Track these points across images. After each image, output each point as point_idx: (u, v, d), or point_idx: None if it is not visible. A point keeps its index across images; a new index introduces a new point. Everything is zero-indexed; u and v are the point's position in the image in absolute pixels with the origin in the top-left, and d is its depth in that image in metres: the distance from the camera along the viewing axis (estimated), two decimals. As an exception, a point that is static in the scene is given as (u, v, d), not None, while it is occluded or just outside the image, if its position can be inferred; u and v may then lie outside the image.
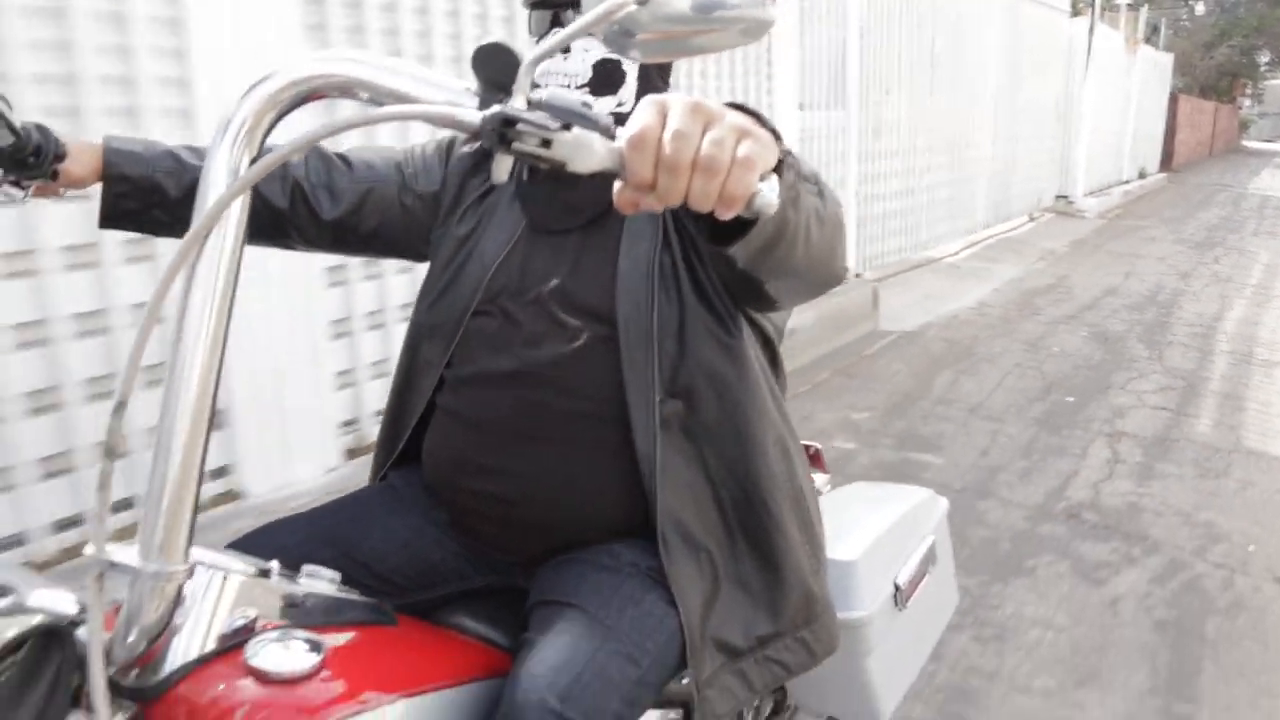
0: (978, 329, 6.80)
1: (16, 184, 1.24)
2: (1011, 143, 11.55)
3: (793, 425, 1.41)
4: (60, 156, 1.24)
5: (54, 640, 0.82)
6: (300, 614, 1.06)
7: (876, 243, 8.23)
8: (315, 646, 1.01)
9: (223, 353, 0.89)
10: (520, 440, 1.31)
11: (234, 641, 0.98)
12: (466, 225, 1.42)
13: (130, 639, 0.83)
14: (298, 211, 1.43)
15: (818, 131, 6.93)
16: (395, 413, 1.50)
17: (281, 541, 1.33)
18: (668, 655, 1.23)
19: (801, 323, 5.24)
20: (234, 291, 0.90)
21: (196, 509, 0.84)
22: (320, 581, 1.13)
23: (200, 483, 0.84)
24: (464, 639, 1.29)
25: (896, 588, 1.66)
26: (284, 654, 0.99)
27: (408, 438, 1.46)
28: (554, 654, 1.15)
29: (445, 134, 1.49)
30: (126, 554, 0.82)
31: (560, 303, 1.31)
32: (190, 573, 0.86)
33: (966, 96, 10.01)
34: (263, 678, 0.97)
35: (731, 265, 1.06)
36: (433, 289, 1.43)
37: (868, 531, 1.70)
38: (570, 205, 1.33)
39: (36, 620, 0.81)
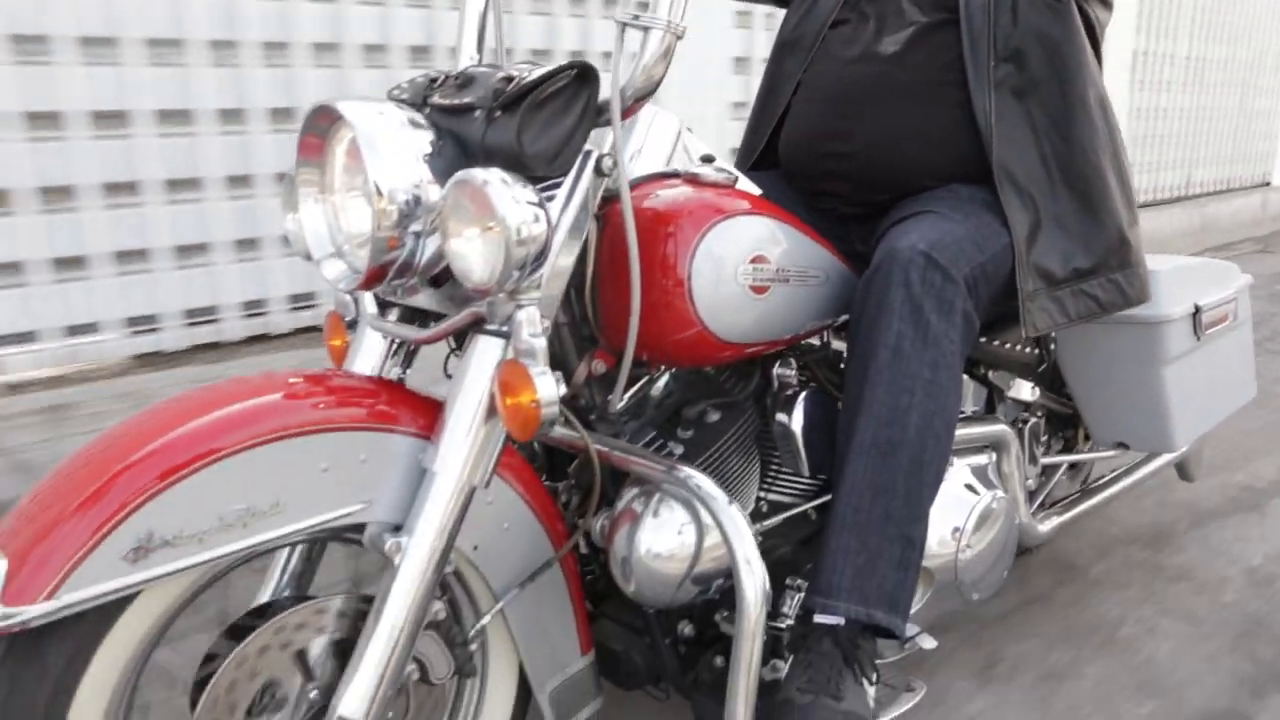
0: None
1: None
2: None
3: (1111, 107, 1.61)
4: None
5: (588, 77, 1.13)
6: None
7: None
8: (735, 175, 1.31)
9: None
10: (868, 108, 1.59)
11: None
12: None
13: (630, 91, 1.11)
14: None
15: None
16: (755, 123, 1.81)
17: None
18: (1000, 263, 1.45)
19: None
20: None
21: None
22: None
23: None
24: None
25: (1196, 309, 1.79)
26: (715, 172, 1.30)
27: (764, 144, 1.76)
28: (918, 225, 1.40)
29: None
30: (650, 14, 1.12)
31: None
32: (683, 34, 1.14)
33: None
34: (697, 181, 1.27)
35: None
36: (800, 6, 1.72)
37: (1172, 260, 1.85)
38: None
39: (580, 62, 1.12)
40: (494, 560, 1.21)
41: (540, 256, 1.02)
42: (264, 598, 1.25)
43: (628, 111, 1.16)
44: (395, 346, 1.31)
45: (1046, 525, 1.81)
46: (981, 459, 1.66)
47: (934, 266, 1.33)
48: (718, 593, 1.33)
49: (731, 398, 1.42)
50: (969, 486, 1.61)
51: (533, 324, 1.04)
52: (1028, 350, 1.73)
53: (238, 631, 1.09)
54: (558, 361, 1.30)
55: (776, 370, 1.44)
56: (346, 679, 1.06)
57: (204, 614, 1.17)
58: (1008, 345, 1.69)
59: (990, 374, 1.74)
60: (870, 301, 1.35)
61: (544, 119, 1.10)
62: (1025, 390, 1.82)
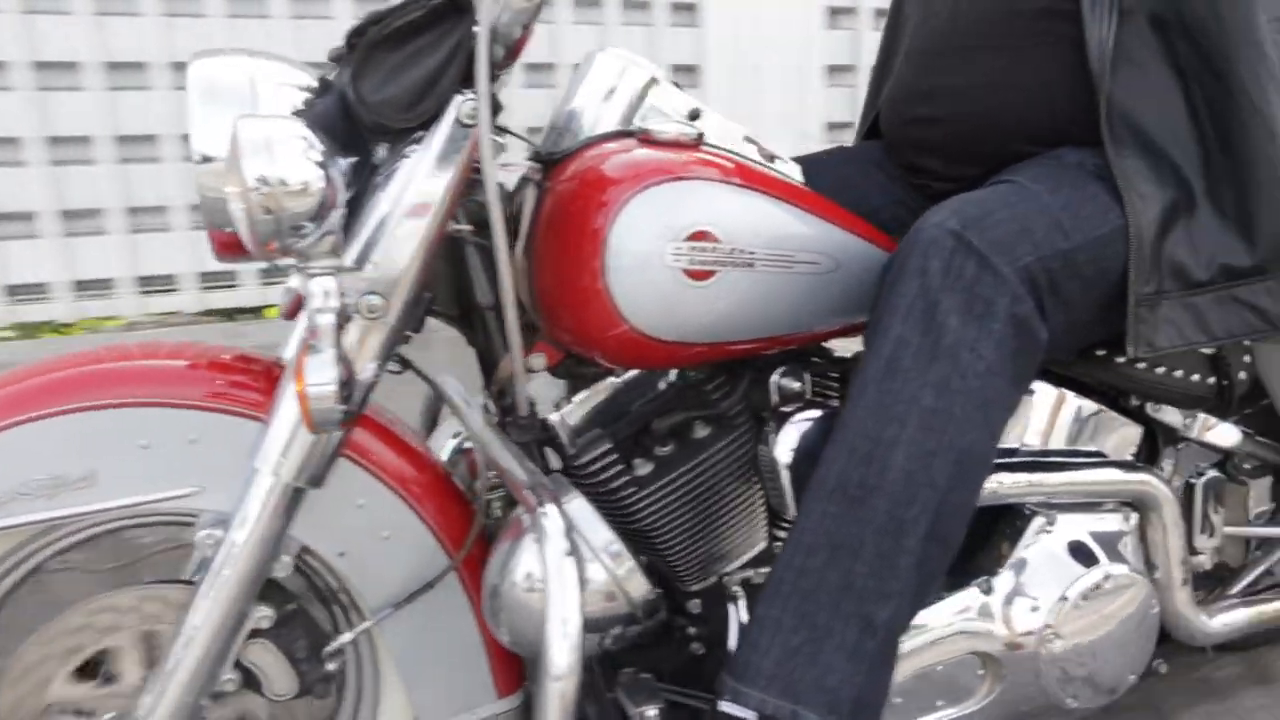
0: None
1: None
2: None
3: None
4: None
5: (456, 10, 0.93)
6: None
7: None
8: (700, 131, 1.04)
9: None
10: (961, 53, 1.24)
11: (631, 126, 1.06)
12: None
13: (505, 18, 0.91)
14: None
15: None
16: (874, 78, 1.51)
17: None
18: (1105, 253, 1.07)
19: None
20: None
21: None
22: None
23: None
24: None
25: None
26: (674, 126, 1.04)
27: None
28: (964, 200, 1.05)
29: None
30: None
31: None
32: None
33: None
34: (650, 139, 1.02)
35: None
36: None
37: None
38: None
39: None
40: (367, 572, 1.06)
41: (319, 217, 0.85)
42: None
43: (515, 50, 0.96)
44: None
45: (1221, 619, 1.32)
46: (1111, 519, 1.24)
47: (966, 251, 0.98)
48: (628, 643, 1.08)
49: (716, 410, 1.15)
50: (1077, 553, 1.21)
51: (323, 297, 0.87)
52: (1194, 378, 1.26)
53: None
54: (483, 353, 1.13)
55: (777, 380, 1.14)
56: (153, 677, 0.96)
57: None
58: (1160, 369, 1.24)
59: (1150, 407, 1.30)
60: (880, 297, 1.03)
61: (397, 60, 0.93)
62: (1223, 433, 1.35)
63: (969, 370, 0.97)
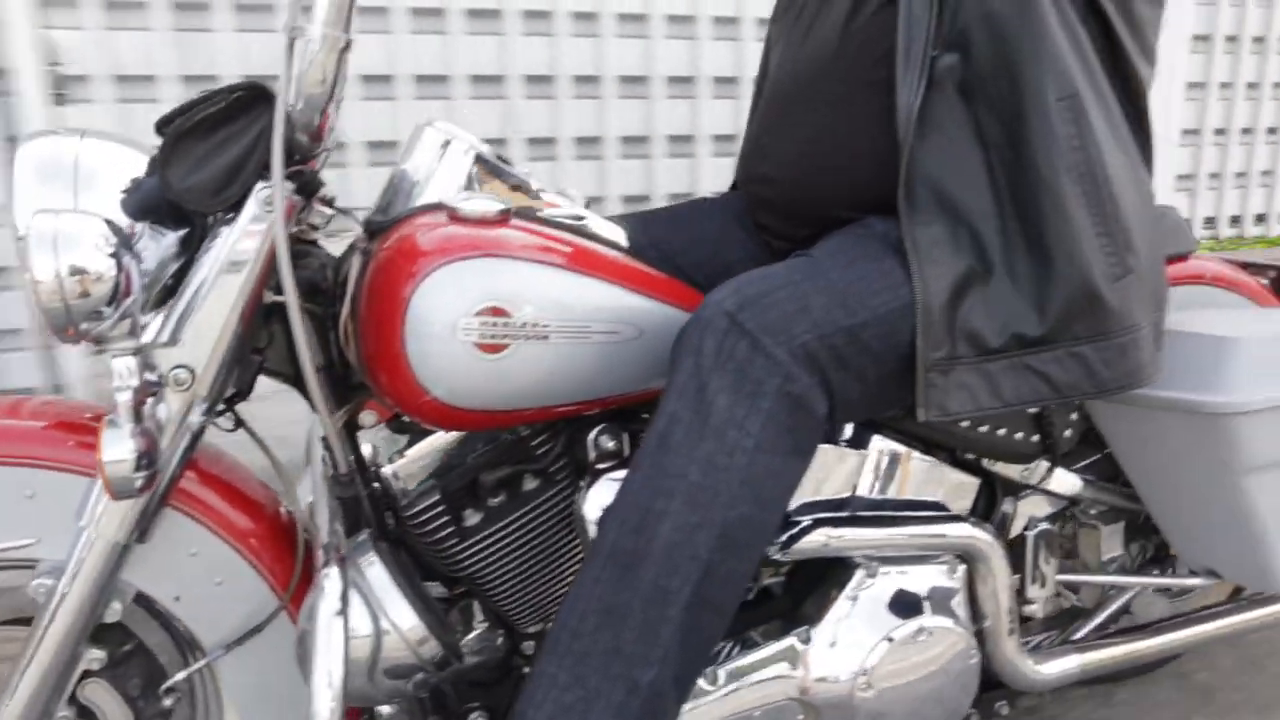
0: None
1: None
2: None
3: (1116, 98, 1.16)
4: None
5: (262, 100, 1.01)
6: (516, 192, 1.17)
7: None
8: (506, 207, 1.10)
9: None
10: (796, 109, 1.28)
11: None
12: None
13: (300, 105, 0.99)
14: None
15: None
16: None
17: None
18: (897, 325, 1.11)
19: None
20: None
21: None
22: (563, 198, 1.23)
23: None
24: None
25: (1314, 399, 1.25)
26: (480, 203, 1.10)
27: None
28: (749, 278, 1.10)
29: None
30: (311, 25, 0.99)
31: None
32: (349, 45, 1.00)
33: None
34: (456, 215, 1.09)
35: None
36: None
37: (1270, 325, 1.30)
38: None
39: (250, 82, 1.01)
40: (202, 615, 1.15)
41: (115, 303, 0.93)
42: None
43: (318, 134, 1.04)
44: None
45: (1054, 666, 1.36)
46: (935, 571, 1.28)
47: (739, 332, 1.04)
48: (467, 681, 1.16)
49: (541, 465, 1.22)
50: (896, 604, 1.26)
51: (122, 376, 0.96)
52: (1018, 435, 1.30)
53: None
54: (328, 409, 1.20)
55: (594, 438, 1.20)
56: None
57: None
58: (984, 428, 1.28)
59: (986, 460, 1.34)
60: (668, 373, 1.09)
61: (204, 149, 1.02)
62: (1064, 481, 1.38)
63: (736, 447, 1.03)
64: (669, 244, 1.42)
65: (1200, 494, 1.31)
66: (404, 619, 1.08)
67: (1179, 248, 1.48)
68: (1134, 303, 1.13)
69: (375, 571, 1.10)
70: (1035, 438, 1.31)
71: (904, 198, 1.12)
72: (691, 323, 1.07)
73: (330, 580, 1.01)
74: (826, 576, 1.28)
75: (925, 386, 1.10)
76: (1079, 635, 1.45)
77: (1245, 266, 1.63)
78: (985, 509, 1.37)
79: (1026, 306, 1.11)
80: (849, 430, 1.27)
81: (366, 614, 1.07)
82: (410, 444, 1.22)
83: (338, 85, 1.02)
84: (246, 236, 1.03)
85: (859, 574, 1.26)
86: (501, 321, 1.06)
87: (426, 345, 1.05)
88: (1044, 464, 1.37)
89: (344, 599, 1.00)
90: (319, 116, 1.03)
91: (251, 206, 1.03)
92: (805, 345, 1.05)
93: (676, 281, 1.19)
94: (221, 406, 1.15)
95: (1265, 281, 1.60)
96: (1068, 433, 1.32)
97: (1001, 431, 1.28)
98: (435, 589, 1.25)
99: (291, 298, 1.02)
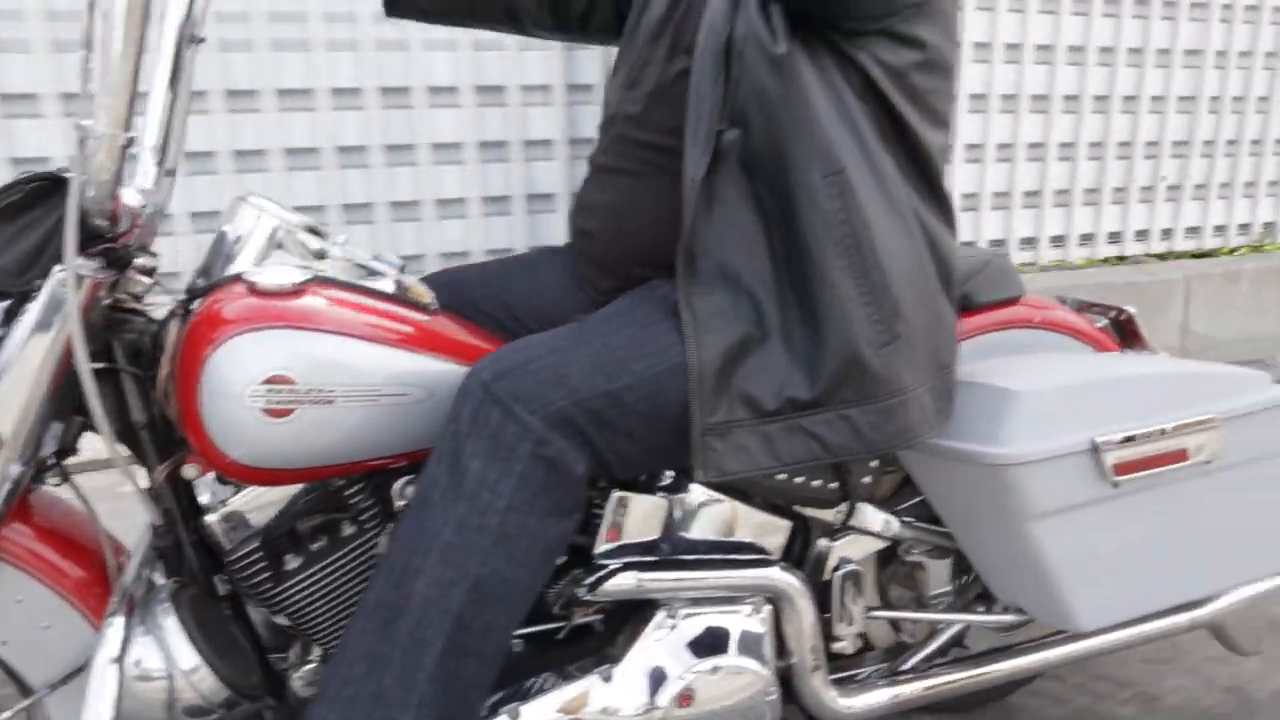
0: None
1: None
2: None
3: (899, 168, 1.22)
4: None
5: (59, 189, 1.10)
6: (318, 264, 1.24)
7: None
8: (304, 278, 1.18)
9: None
10: (607, 171, 1.36)
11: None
12: None
13: (91, 192, 1.07)
14: None
15: None
16: None
17: (461, 280, 1.52)
18: (666, 388, 1.17)
19: None
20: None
21: (135, 89, 1.06)
22: (379, 262, 1.30)
23: (138, 68, 1.05)
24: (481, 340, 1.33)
25: (1095, 448, 1.29)
26: (276, 275, 1.18)
27: None
28: (512, 348, 1.17)
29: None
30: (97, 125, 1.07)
31: (671, 38, 1.31)
32: (130, 141, 1.08)
33: None
34: (253, 288, 1.16)
35: None
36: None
37: (1071, 372, 1.35)
38: None
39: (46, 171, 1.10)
40: (30, 658, 1.23)
41: None
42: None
43: (112, 215, 1.12)
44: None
45: (860, 700, 1.41)
46: (738, 612, 1.34)
47: (492, 401, 1.11)
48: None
49: (353, 513, 1.29)
50: (697, 645, 1.32)
51: None
52: (815, 483, 1.36)
53: None
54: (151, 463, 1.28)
55: (399, 487, 1.28)
56: None
57: None
58: (782, 476, 1.34)
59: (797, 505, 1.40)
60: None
61: (10, 232, 1.11)
62: (876, 522, 1.44)
63: (488, 509, 1.10)
64: (510, 294, 1.49)
65: (997, 538, 1.36)
66: (186, 662, 1.16)
67: (1005, 293, 1.53)
68: (902, 368, 1.19)
69: (168, 618, 1.18)
70: (834, 485, 1.37)
71: (684, 265, 1.19)
72: (458, 391, 1.14)
73: (112, 628, 1.10)
74: (633, 617, 1.35)
75: (702, 449, 1.16)
76: (904, 667, 1.51)
77: (1090, 307, 1.67)
78: (802, 549, 1.43)
79: (799, 372, 1.17)
80: (668, 476, 1.34)
81: (159, 657, 1.16)
82: (236, 493, 1.30)
83: (124, 174, 1.10)
84: (43, 320, 1.11)
85: (661, 614, 1.32)
86: (287, 389, 1.14)
87: (221, 410, 1.13)
88: (865, 507, 1.42)
89: (124, 646, 1.09)
90: (110, 202, 1.10)
91: (49, 286, 1.11)
92: (561, 411, 1.12)
93: (476, 343, 1.26)
94: (53, 461, 1.24)
95: (1104, 322, 1.64)
96: (866, 479, 1.38)
97: (800, 480, 1.34)
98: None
99: (84, 366, 1.09)
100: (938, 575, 1.53)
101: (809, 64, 1.15)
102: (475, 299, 1.48)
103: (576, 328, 1.20)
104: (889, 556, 1.51)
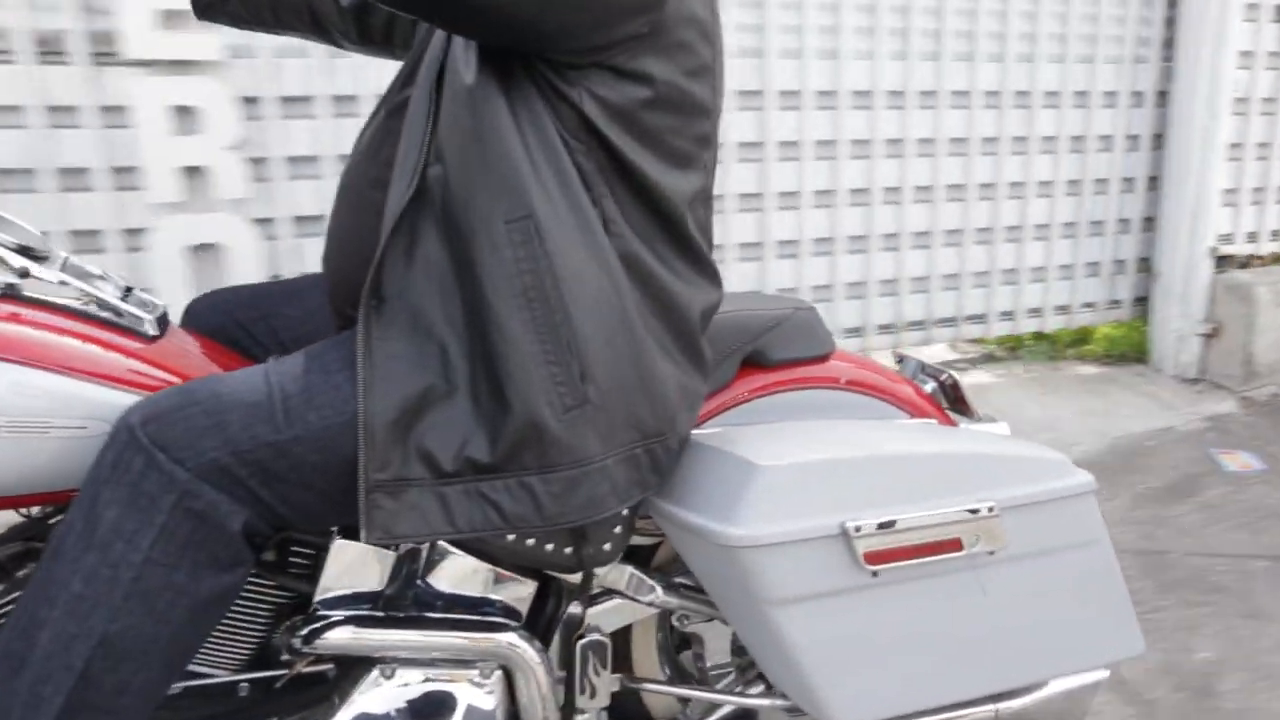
0: None
1: None
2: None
3: (623, 214, 1.12)
4: None
5: None
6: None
7: None
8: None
9: None
10: (341, 202, 1.28)
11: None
12: None
13: None
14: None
15: None
16: None
17: (233, 301, 1.45)
18: (335, 443, 1.08)
19: None
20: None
21: None
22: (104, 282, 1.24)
23: None
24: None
25: (845, 533, 1.17)
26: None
27: None
28: (170, 392, 1.10)
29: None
30: None
31: (410, 64, 1.23)
32: None
33: None
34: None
35: None
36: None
37: (833, 446, 1.23)
38: None
39: None
40: None
41: None
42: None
43: None
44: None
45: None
46: (461, 678, 1.26)
47: (136, 447, 1.04)
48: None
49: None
50: (415, 709, 1.24)
51: None
52: (549, 547, 1.25)
53: None
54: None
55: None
56: None
57: None
58: (511, 538, 1.24)
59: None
60: None
61: None
62: (629, 581, 1.34)
63: (122, 560, 1.02)
64: (277, 318, 1.42)
65: (746, 618, 1.25)
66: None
67: (807, 349, 1.41)
68: (589, 435, 1.09)
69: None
70: (570, 549, 1.26)
71: (370, 308, 1.10)
72: (112, 431, 1.07)
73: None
74: (349, 674, 1.27)
75: (368, 507, 1.07)
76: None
77: (923, 369, 1.55)
78: (554, 610, 1.34)
79: (482, 431, 1.08)
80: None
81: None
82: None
83: None
84: None
85: (374, 674, 1.24)
86: (-58, 416, 1.07)
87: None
88: (626, 569, 1.33)
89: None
90: None
91: None
92: (215, 462, 1.04)
93: (196, 373, 1.19)
94: None
95: (932, 387, 1.51)
96: (607, 546, 1.27)
97: (531, 543, 1.25)
98: None
99: None
100: (717, 648, 1.42)
101: (502, 98, 1.06)
102: (244, 321, 1.41)
103: (263, 370, 1.12)
104: (663, 624, 1.42)
